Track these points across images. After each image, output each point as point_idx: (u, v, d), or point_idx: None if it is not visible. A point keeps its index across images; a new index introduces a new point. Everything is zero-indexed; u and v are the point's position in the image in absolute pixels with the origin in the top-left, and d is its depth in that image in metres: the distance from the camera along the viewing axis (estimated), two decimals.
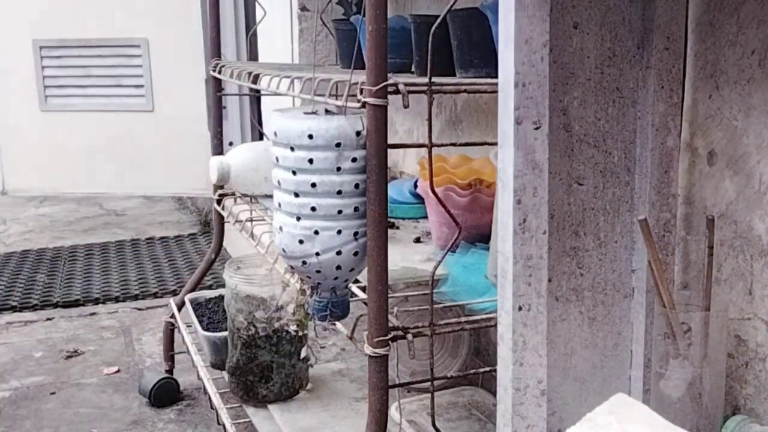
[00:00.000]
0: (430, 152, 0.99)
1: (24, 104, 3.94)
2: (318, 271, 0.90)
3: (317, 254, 0.89)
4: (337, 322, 1.07)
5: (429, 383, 1.03)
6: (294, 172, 0.88)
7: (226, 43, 3.30)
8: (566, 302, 0.91)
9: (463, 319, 1.08)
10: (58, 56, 4.00)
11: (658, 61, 0.90)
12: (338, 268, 0.90)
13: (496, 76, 0.83)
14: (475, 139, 1.64)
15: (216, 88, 1.87)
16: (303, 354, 1.67)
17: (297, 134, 0.87)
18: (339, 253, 0.89)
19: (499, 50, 0.82)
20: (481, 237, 1.29)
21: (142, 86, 3.86)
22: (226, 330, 1.73)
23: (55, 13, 4.00)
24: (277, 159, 0.90)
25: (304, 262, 0.89)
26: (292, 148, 0.88)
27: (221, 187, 1.84)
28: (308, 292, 0.91)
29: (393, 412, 1.41)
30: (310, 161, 0.87)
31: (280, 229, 0.90)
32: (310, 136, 0.87)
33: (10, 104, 3.98)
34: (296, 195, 0.89)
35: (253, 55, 3.19)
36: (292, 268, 0.92)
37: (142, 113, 3.88)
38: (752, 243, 0.94)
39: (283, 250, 0.91)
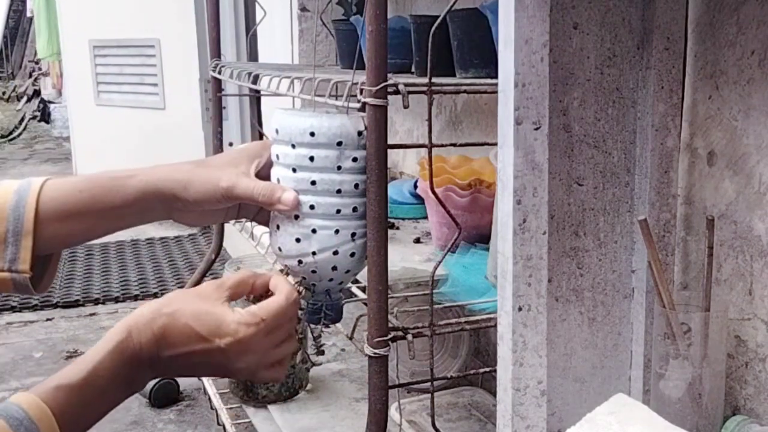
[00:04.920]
0: (430, 152, 0.99)
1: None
2: (314, 271, 0.89)
3: (314, 253, 0.88)
4: (332, 325, 1.07)
5: (429, 383, 1.03)
6: (294, 170, 0.88)
7: (226, 43, 3.30)
8: (566, 303, 0.91)
9: (463, 319, 1.08)
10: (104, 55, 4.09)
11: (658, 61, 0.90)
12: (334, 268, 0.90)
13: (496, 77, 0.83)
14: (475, 140, 1.64)
15: (216, 88, 1.87)
16: (301, 357, 1.67)
17: (299, 131, 0.87)
18: (336, 253, 0.89)
19: (499, 50, 0.82)
20: (481, 237, 1.29)
21: (156, 85, 3.89)
22: None
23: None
24: (277, 156, 0.90)
25: (300, 261, 0.89)
26: (293, 146, 0.88)
27: None
28: (302, 293, 0.91)
29: (393, 412, 1.41)
30: (311, 159, 0.87)
31: (277, 227, 0.90)
32: (312, 134, 0.87)
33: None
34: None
35: (253, 56, 3.19)
36: (287, 268, 0.92)
37: (156, 110, 3.91)
38: (752, 243, 0.94)
39: (279, 248, 0.90)
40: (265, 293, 0.85)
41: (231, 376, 0.81)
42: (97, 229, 0.85)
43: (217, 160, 0.91)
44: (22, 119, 8.53)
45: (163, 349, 0.76)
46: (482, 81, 1.11)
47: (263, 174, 0.90)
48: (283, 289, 0.82)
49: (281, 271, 0.92)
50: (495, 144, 0.86)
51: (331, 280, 0.91)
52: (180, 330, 0.76)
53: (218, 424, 1.65)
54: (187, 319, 0.76)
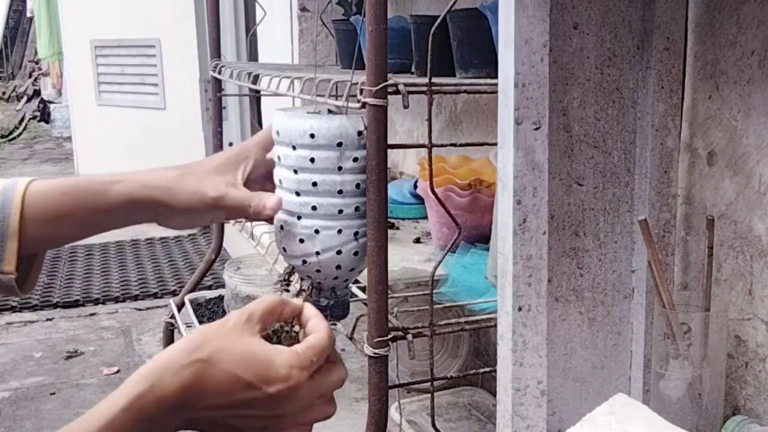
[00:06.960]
0: (430, 152, 0.99)
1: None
2: (318, 271, 0.90)
3: (317, 253, 0.89)
4: (337, 323, 1.07)
5: (429, 383, 1.03)
6: (295, 171, 0.88)
7: (226, 43, 3.30)
8: (566, 302, 0.91)
9: (463, 319, 1.08)
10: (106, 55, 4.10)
11: (658, 61, 0.90)
12: (338, 267, 0.90)
13: (496, 77, 0.83)
14: (475, 140, 1.64)
15: (216, 88, 1.87)
16: None
17: (299, 133, 0.87)
18: (339, 252, 0.90)
19: (499, 50, 0.82)
20: (481, 237, 1.30)
21: (156, 85, 3.89)
22: None
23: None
24: (278, 158, 0.90)
25: (304, 261, 0.90)
26: (293, 147, 0.88)
27: None
28: (308, 291, 0.91)
29: (393, 412, 1.41)
30: (312, 160, 0.87)
31: (281, 228, 0.91)
32: (312, 135, 0.87)
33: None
34: (297, 194, 0.89)
35: (253, 56, 3.19)
36: (286, 281, 0.93)
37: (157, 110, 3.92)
38: (752, 243, 0.94)
39: (284, 249, 0.91)
40: (291, 322, 0.76)
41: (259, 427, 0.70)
42: (82, 231, 0.84)
43: (204, 166, 0.88)
44: (22, 119, 8.53)
45: (196, 400, 0.64)
46: (482, 81, 1.11)
47: (253, 176, 0.89)
48: (322, 328, 0.73)
49: (285, 290, 0.91)
50: (495, 144, 0.86)
51: (335, 278, 0.92)
52: (220, 378, 0.65)
53: None
54: (228, 365, 0.65)
